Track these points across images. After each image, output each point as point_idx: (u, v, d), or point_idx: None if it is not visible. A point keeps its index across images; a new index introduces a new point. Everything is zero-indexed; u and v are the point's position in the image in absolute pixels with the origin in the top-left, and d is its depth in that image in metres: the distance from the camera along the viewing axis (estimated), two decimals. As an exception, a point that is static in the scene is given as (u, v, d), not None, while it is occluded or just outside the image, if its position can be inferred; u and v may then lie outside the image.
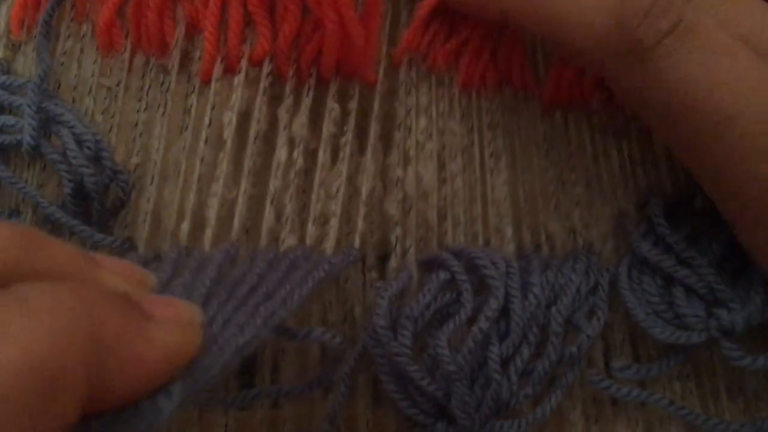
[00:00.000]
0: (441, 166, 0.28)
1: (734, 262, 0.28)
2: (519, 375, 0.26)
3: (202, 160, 0.27)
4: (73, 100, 0.29)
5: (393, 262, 0.28)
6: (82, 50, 0.29)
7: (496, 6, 0.27)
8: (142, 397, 0.17)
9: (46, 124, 0.27)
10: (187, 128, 0.28)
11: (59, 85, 0.29)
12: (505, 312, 0.26)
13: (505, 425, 0.26)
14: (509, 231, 0.28)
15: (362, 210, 0.28)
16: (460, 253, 0.27)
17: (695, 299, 0.27)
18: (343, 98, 0.28)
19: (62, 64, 0.29)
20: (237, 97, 0.28)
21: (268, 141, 0.28)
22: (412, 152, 0.28)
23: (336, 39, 0.27)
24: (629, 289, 0.28)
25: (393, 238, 0.28)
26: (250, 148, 0.28)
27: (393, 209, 0.28)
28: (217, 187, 0.27)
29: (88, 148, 0.27)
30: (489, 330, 0.26)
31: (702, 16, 0.25)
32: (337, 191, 0.28)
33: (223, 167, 0.27)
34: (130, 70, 0.29)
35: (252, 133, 0.28)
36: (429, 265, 0.28)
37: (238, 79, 0.28)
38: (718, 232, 0.28)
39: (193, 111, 0.28)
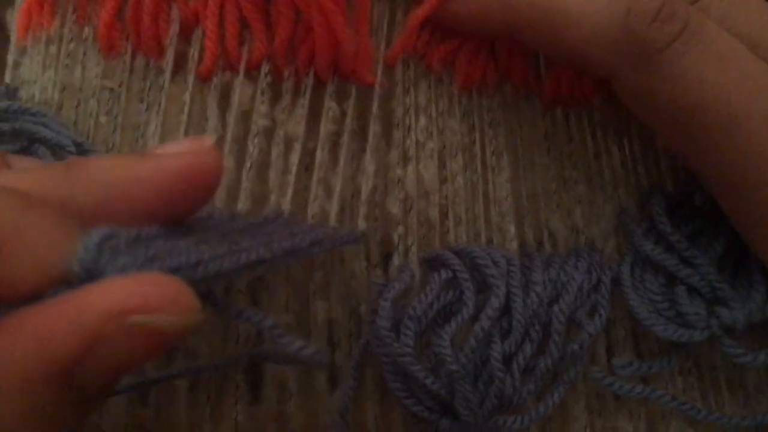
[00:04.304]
0: (442, 165, 0.29)
1: (734, 260, 0.28)
2: (521, 372, 0.26)
3: None
4: (78, 103, 0.29)
5: (396, 261, 0.28)
6: (85, 53, 0.29)
7: (499, 20, 0.27)
8: None
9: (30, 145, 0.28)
10: (183, 126, 0.28)
11: (64, 88, 0.29)
12: (507, 310, 0.27)
13: (508, 420, 0.26)
14: (511, 229, 0.29)
15: (362, 209, 0.28)
16: (462, 252, 0.27)
17: (696, 297, 0.27)
18: (341, 98, 0.28)
19: (66, 66, 0.29)
20: (236, 97, 0.28)
21: (269, 139, 0.28)
22: (412, 151, 0.28)
23: (326, 42, 0.27)
24: (632, 287, 0.28)
25: (395, 237, 0.28)
26: (251, 146, 0.28)
27: (394, 208, 0.28)
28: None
29: (70, 152, 0.27)
30: (491, 328, 0.26)
31: (707, 20, 0.26)
32: (336, 190, 0.28)
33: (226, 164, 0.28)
34: (131, 71, 0.29)
35: (252, 133, 0.28)
36: (431, 264, 0.28)
37: (238, 80, 0.28)
38: (718, 230, 0.28)
39: (187, 109, 0.28)
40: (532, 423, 0.27)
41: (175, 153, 0.20)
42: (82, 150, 0.27)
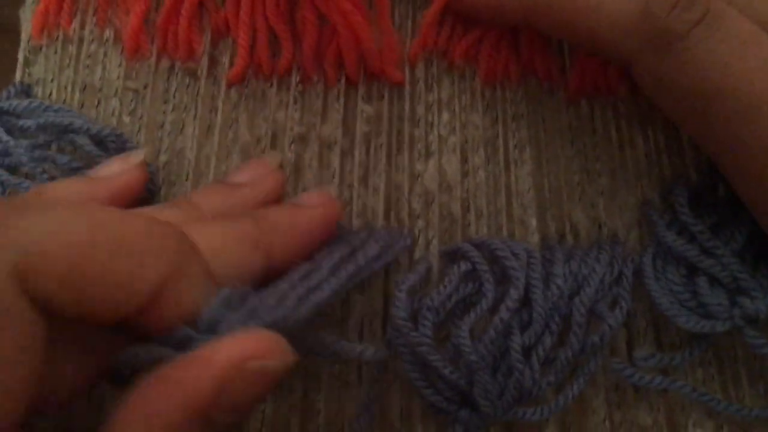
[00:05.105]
0: (464, 159, 0.29)
1: (756, 251, 0.28)
2: (541, 363, 0.26)
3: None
4: (99, 102, 0.30)
5: (416, 254, 0.28)
6: (105, 54, 0.30)
7: (516, 8, 0.27)
8: None
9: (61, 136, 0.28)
10: (217, 128, 0.29)
11: (84, 87, 0.30)
12: (527, 302, 0.27)
13: (527, 412, 0.26)
14: (533, 222, 0.29)
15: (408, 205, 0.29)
16: (482, 244, 0.28)
17: (718, 288, 0.27)
18: (372, 99, 0.29)
19: (87, 67, 0.30)
20: (268, 103, 0.29)
21: (303, 144, 0.29)
22: (434, 146, 0.29)
23: (350, 42, 0.27)
24: (654, 278, 0.28)
25: (416, 231, 0.28)
26: (287, 151, 0.29)
27: (415, 202, 0.28)
28: None
29: (112, 141, 0.28)
30: (510, 320, 0.26)
31: (727, 7, 0.26)
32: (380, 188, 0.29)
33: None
34: (156, 73, 0.30)
35: (287, 138, 0.29)
36: (451, 257, 0.28)
37: (269, 86, 0.29)
38: (741, 221, 0.28)
39: (220, 113, 0.29)
40: (551, 415, 0.27)
41: (316, 205, 0.26)
42: (121, 140, 0.28)
